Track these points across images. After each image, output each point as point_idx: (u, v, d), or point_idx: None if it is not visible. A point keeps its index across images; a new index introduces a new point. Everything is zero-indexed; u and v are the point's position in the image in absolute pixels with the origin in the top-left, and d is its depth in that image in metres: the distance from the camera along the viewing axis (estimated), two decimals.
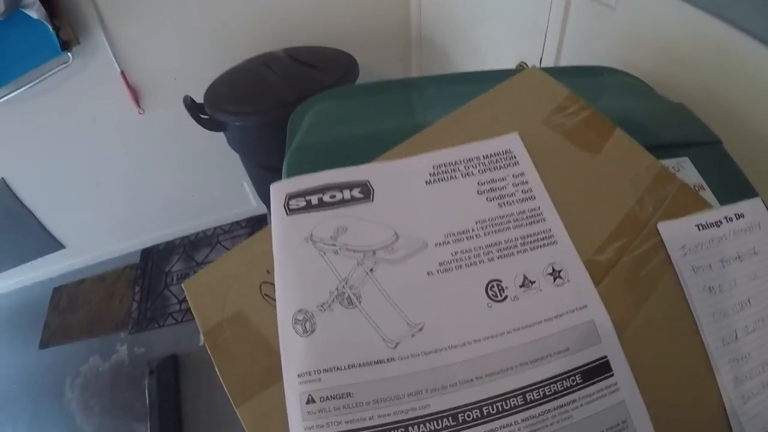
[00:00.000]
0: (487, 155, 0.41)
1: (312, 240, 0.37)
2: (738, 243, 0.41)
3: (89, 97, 1.52)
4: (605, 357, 0.34)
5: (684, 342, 0.36)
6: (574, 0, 0.96)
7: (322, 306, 0.35)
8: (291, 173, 0.46)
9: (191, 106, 1.34)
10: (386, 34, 1.74)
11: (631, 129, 0.45)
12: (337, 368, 0.33)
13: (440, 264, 0.36)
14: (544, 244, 0.37)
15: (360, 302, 0.34)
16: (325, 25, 1.61)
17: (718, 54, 0.70)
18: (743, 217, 0.43)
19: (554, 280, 0.36)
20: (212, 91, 1.39)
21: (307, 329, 0.34)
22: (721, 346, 0.36)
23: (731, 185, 0.49)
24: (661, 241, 0.39)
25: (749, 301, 0.38)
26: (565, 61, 1.03)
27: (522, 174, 0.40)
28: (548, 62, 1.06)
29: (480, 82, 0.47)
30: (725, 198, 0.45)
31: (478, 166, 0.41)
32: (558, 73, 0.47)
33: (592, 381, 0.33)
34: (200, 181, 1.89)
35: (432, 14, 1.58)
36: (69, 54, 1.39)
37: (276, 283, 0.36)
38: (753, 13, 0.64)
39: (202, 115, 1.35)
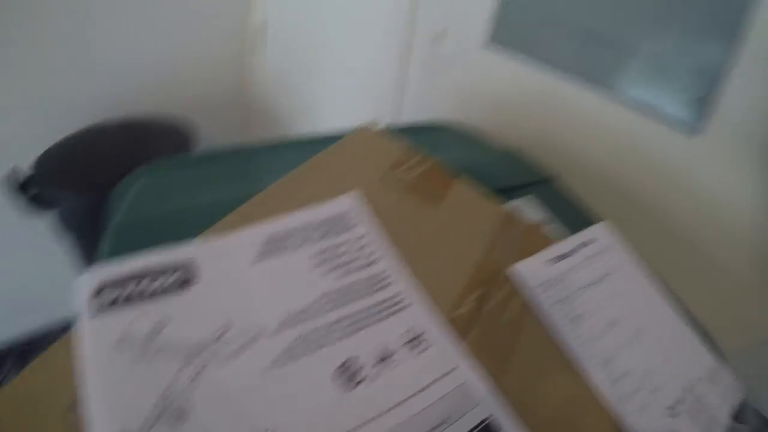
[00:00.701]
0: (323, 221, 0.38)
1: (125, 343, 0.30)
2: (594, 267, 0.42)
3: None
4: (489, 416, 0.31)
5: (565, 376, 0.35)
6: (412, 60, 1.00)
7: (144, 427, 0.27)
8: (107, 260, 0.39)
9: (14, 183, 1.17)
10: (227, 100, 1.71)
11: (472, 177, 0.46)
12: None
13: (282, 353, 0.30)
14: (397, 310, 0.34)
15: (191, 414, 0.28)
16: (163, 94, 1.54)
17: (548, 98, 0.76)
18: (594, 241, 0.44)
19: (414, 347, 0.32)
20: (38, 167, 1.24)
21: None
22: (602, 369, 0.36)
23: (576, 215, 0.51)
24: (518, 283, 0.38)
25: (618, 319, 0.39)
26: (406, 119, 1.06)
27: (363, 237, 0.38)
28: (391, 121, 1.08)
29: (320, 145, 0.46)
30: (573, 228, 0.46)
31: (314, 234, 0.37)
32: (397, 131, 0.46)
33: None
34: (31, 273, 1.65)
35: (273, 78, 1.58)
36: None
37: (85, 404, 0.28)
38: (574, 58, 0.72)
39: (27, 194, 1.19)
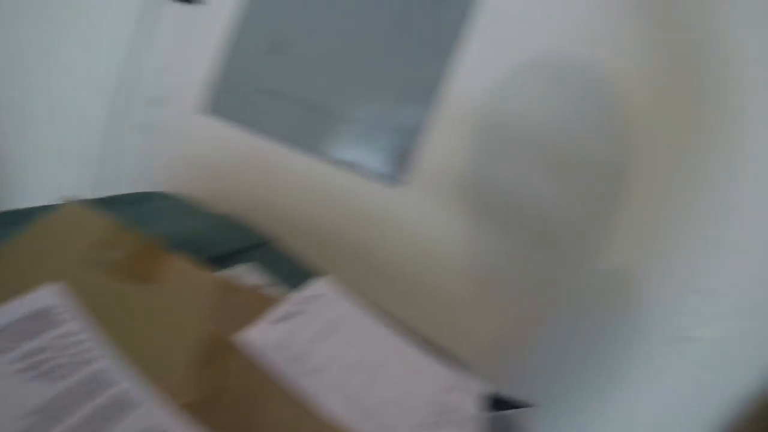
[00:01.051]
0: (20, 320, 0.32)
1: None
2: (321, 320, 0.44)
3: None
4: None
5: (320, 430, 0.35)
6: (125, 127, 0.94)
7: None
8: None
9: None
10: None
11: (186, 249, 0.45)
12: None
13: None
14: (128, 411, 0.30)
15: None
16: None
17: (264, 164, 0.82)
18: (318, 296, 0.47)
19: None
20: None
21: None
22: (351, 410, 0.37)
23: (300, 275, 0.53)
24: (248, 350, 0.38)
25: (355, 364, 0.41)
26: (118, 190, 0.98)
27: (71, 334, 0.33)
28: (100, 192, 0.99)
29: (14, 224, 0.39)
30: (298, 288, 0.48)
31: (9, 337, 0.30)
32: (105, 203, 0.43)
33: None
34: None
35: None
36: None
37: None
38: (288, 126, 0.80)
39: None
